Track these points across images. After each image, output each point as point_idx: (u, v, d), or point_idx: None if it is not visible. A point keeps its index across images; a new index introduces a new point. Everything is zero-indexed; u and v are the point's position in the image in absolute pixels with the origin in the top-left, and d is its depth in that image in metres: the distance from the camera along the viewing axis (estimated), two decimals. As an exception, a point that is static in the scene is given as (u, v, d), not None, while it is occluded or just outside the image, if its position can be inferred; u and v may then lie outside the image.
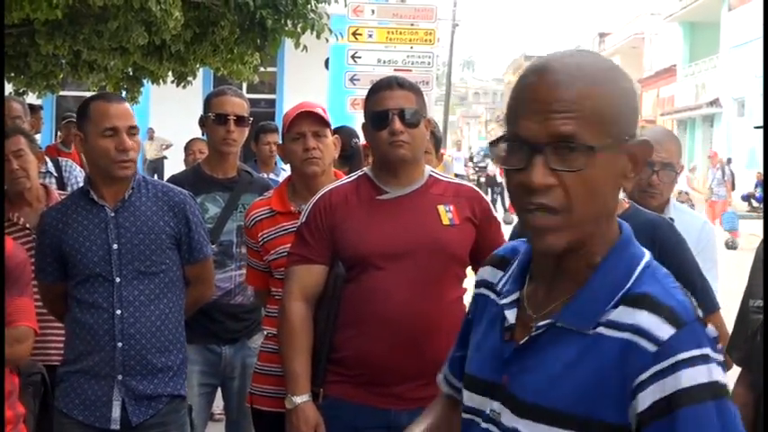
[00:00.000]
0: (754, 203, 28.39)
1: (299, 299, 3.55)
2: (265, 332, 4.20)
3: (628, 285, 1.67)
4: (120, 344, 3.76)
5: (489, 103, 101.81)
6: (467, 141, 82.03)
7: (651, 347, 1.59)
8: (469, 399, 1.83)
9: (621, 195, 3.95)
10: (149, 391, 3.80)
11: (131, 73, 10.26)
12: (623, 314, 1.63)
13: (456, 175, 15.53)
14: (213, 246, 4.49)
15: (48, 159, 5.76)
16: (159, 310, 3.82)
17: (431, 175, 3.61)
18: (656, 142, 4.12)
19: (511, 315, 1.76)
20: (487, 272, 1.94)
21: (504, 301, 1.79)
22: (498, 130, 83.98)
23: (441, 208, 3.53)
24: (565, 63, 1.67)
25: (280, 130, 4.43)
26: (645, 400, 1.58)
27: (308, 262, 3.56)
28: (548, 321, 1.70)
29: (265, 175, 6.33)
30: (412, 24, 15.42)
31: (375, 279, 3.41)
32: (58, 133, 13.13)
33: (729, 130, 37.66)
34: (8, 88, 10.85)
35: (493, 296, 1.87)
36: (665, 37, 48.87)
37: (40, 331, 3.81)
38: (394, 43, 15.20)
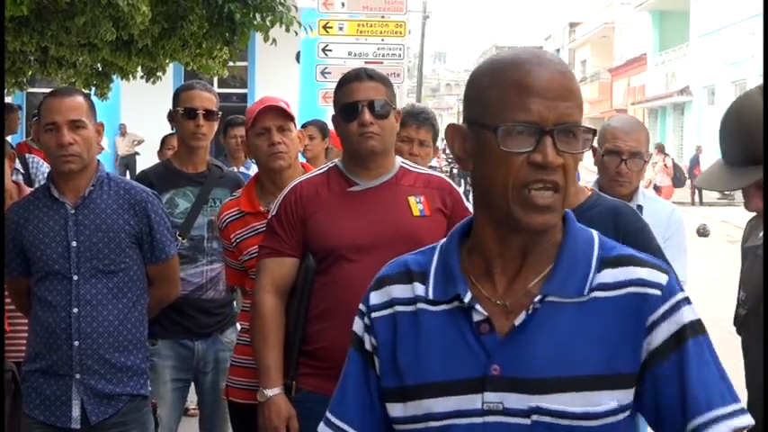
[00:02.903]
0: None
1: (271, 292, 3.54)
2: (239, 326, 4.19)
3: (596, 252, 1.82)
4: (76, 342, 3.74)
5: (461, 94, 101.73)
6: (440, 133, 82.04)
7: (657, 292, 1.76)
8: (443, 404, 1.78)
9: (585, 183, 3.97)
10: (108, 390, 3.78)
11: (100, 69, 10.21)
12: (615, 275, 1.78)
13: (429, 167, 15.54)
14: (184, 241, 4.48)
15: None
16: (118, 310, 3.80)
17: (401, 167, 3.61)
18: (625, 132, 4.14)
19: (481, 309, 1.78)
20: (396, 290, 1.90)
21: (467, 299, 1.79)
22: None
23: (411, 199, 3.53)
24: (550, 57, 1.81)
25: (248, 124, 4.41)
26: (658, 335, 1.75)
27: (279, 255, 3.55)
28: (539, 297, 1.76)
29: (235, 169, 6.32)
30: (382, 17, 15.38)
31: (346, 271, 3.41)
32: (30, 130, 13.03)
33: (700, 117, 37.90)
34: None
35: (424, 306, 1.85)
36: (635, 26, 49.09)
37: (12, 328, 3.79)
38: (365, 36, 15.17)
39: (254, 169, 6.46)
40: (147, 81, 9.94)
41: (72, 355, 3.75)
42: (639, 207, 4.20)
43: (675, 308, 1.76)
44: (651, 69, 44.83)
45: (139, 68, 9.78)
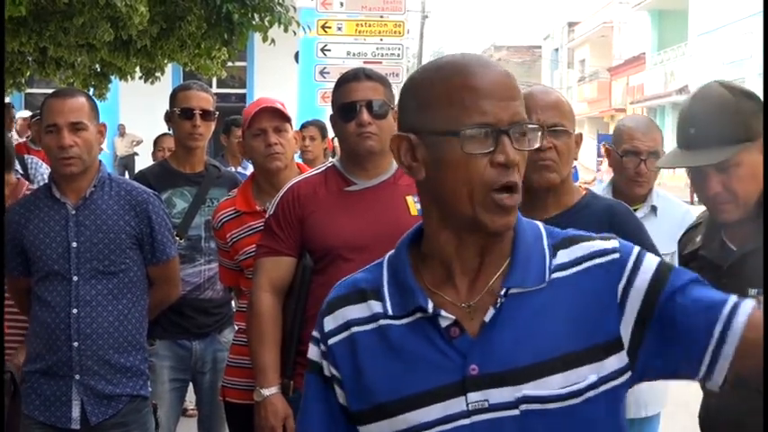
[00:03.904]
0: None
1: (268, 291, 3.54)
2: (236, 327, 4.19)
3: (545, 240, 1.84)
4: (76, 343, 3.74)
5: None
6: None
7: (616, 255, 1.81)
8: (427, 414, 1.77)
9: (581, 182, 3.96)
10: (108, 390, 3.79)
11: (99, 69, 10.21)
12: (569, 254, 1.82)
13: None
14: (181, 241, 4.48)
15: (13, 156, 5.72)
16: (117, 311, 3.80)
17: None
18: (642, 132, 4.14)
19: (448, 314, 1.78)
20: (351, 312, 1.87)
21: (430, 308, 1.78)
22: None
23: (410, 199, 3.53)
24: (489, 58, 1.86)
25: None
26: (638, 290, 1.77)
27: (276, 254, 3.55)
28: (503, 291, 1.77)
29: (233, 169, 6.32)
30: (381, 17, 15.38)
31: (343, 271, 3.35)
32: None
33: (699, 117, 37.81)
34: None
35: (388, 322, 1.82)
36: (634, 25, 49.06)
37: (12, 331, 3.79)
38: (363, 36, 15.18)
39: (251, 169, 6.47)
40: (145, 81, 9.95)
41: (72, 356, 3.75)
42: (654, 208, 4.20)
43: (638, 263, 1.79)
44: (650, 68, 44.80)
45: (138, 69, 9.78)
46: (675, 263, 3.32)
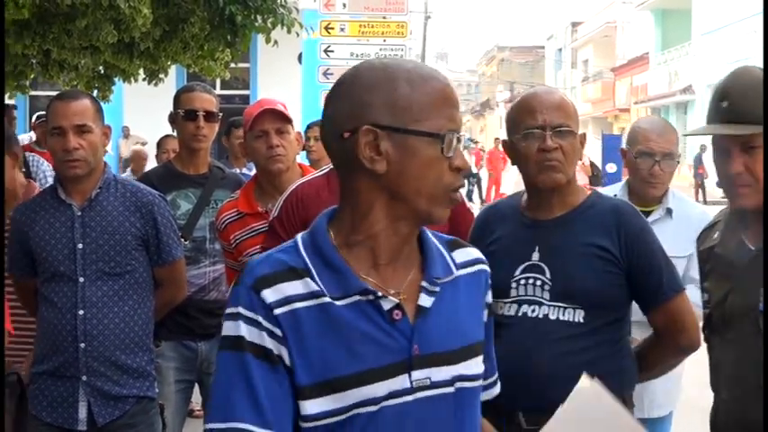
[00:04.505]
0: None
1: (272, 293, 3.54)
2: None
3: (433, 238, 2.03)
4: (82, 344, 3.75)
5: (464, 94, 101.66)
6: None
7: (486, 267, 2.11)
8: (374, 390, 1.84)
9: (583, 181, 3.95)
10: (115, 391, 3.80)
11: (102, 71, 10.20)
12: (460, 255, 2.06)
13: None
14: (186, 242, 4.48)
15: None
16: (124, 312, 3.81)
17: (402, 167, 3.60)
18: (656, 133, 4.11)
19: (393, 298, 1.89)
20: (289, 287, 1.85)
21: (377, 291, 1.87)
22: (474, 122, 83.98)
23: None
24: None
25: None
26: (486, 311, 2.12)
27: (280, 256, 3.54)
28: (434, 280, 1.95)
29: (237, 170, 6.32)
30: (384, 17, 15.39)
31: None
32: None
33: (703, 116, 37.73)
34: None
35: (327, 300, 1.85)
36: (638, 25, 49.03)
37: (18, 333, 3.79)
38: (366, 36, 15.19)
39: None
40: (149, 83, 9.94)
41: (78, 357, 3.76)
42: (669, 210, 4.16)
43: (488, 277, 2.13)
44: (653, 68, 44.78)
45: (141, 71, 9.77)
46: (693, 265, 3.29)
